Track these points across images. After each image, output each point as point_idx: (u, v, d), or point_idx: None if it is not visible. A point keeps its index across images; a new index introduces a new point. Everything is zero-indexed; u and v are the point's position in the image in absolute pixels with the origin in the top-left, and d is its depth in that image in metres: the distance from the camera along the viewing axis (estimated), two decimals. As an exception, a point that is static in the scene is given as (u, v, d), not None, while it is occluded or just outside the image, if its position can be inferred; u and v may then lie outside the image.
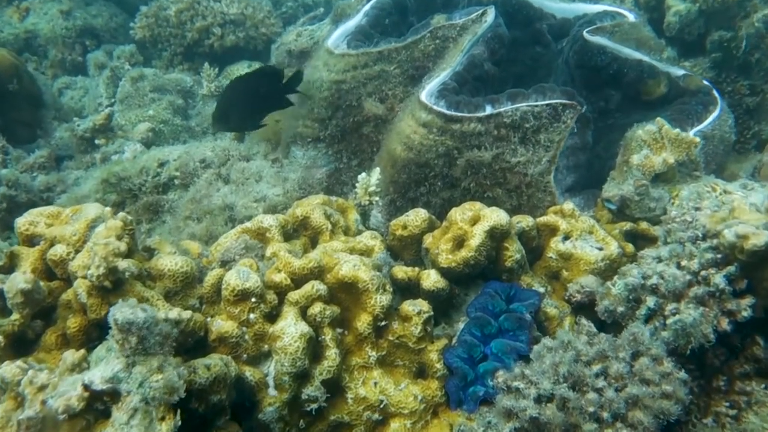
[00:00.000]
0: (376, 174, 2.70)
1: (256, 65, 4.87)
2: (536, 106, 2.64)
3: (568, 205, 2.47)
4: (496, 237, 2.27)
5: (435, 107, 2.71)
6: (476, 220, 2.29)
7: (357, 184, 2.72)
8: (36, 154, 3.66)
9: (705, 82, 2.95)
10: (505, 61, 3.14)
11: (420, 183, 2.82)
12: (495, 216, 2.26)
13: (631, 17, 3.16)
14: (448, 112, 2.68)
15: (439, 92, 2.79)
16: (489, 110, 2.65)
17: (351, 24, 3.19)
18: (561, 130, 2.66)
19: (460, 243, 2.29)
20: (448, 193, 2.79)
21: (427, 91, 2.79)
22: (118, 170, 2.95)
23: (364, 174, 2.71)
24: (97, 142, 3.75)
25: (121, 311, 1.58)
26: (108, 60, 4.63)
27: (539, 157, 2.67)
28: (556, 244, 2.38)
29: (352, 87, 3.02)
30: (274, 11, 5.11)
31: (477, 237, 2.23)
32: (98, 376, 1.57)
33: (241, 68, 4.78)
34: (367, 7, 3.24)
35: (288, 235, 2.44)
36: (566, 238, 2.40)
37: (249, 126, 3.05)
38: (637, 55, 2.95)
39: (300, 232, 2.51)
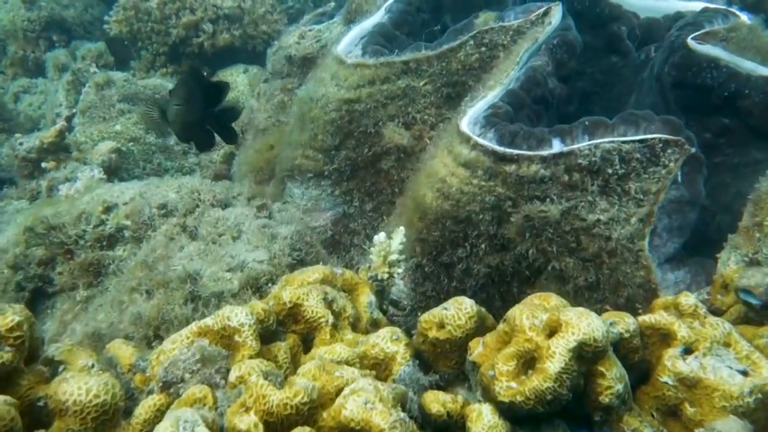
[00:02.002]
0: (399, 236, 1.90)
1: (254, 69, 4.14)
2: (625, 142, 1.96)
3: (687, 300, 1.66)
4: (587, 358, 1.47)
5: (481, 140, 2.06)
6: (554, 328, 1.48)
7: (372, 249, 1.92)
8: (-39, 183, 2.92)
9: None
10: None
11: (458, 244, 2.15)
12: (585, 325, 1.45)
13: (744, 18, 2.35)
14: (499, 149, 2.02)
15: (487, 119, 2.11)
16: (557, 146, 2.00)
17: (369, 23, 2.50)
18: (660, 176, 1.99)
19: (528, 362, 1.49)
20: (496, 258, 2.13)
21: (470, 117, 2.15)
22: (48, 215, 2.17)
23: (382, 235, 1.91)
24: (44, 165, 2.98)
25: None
26: (71, 60, 3.86)
27: (628, 214, 2.00)
28: (674, 363, 1.57)
29: (368, 108, 2.39)
30: (278, 5, 4.40)
31: (558, 359, 1.43)
32: None
33: (236, 72, 4.08)
34: (391, 0, 2.47)
35: (269, 333, 1.66)
36: (687, 350, 1.59)
37: (181, 134, 2.45)
38: (764, 71, 2.13)
39: (288, 326, 1.73)
